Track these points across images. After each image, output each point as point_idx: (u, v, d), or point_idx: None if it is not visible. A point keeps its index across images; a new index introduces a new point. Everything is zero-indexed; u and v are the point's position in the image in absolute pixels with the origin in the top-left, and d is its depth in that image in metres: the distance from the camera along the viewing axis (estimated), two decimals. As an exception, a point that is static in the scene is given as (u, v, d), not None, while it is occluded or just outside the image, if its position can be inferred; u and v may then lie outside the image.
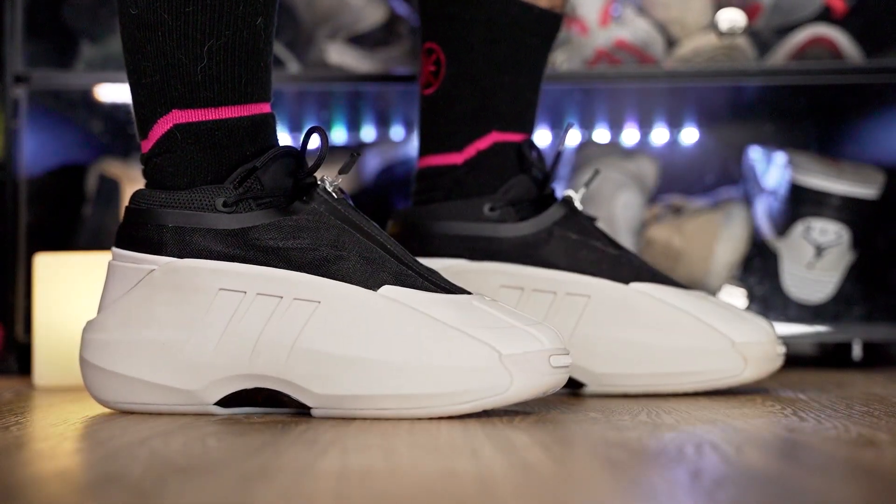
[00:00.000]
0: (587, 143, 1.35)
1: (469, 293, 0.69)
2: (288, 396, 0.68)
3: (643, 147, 1.39)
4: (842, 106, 1.32)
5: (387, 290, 0.67)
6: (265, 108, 0.71)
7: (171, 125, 0.70)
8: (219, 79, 0.69)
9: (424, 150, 0.89)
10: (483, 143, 0.86)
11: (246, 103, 0.70)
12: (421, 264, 0.69)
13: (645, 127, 1.39)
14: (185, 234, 0.69)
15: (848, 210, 1.19)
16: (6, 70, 1.17)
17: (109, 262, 0.73)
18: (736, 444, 0.55)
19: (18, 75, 1.17)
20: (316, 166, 0.69)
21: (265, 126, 0.71)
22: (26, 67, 1.17)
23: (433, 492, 0.43)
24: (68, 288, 0.98)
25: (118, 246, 0.72)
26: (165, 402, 0.70)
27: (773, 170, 1.25)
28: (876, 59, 1.20)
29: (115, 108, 1.29)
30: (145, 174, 0.72)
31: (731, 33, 1.18)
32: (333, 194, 0.70)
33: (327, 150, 0.69)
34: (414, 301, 0.66)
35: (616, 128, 1.39)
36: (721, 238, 1.23)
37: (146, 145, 0.71)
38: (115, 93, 1.24)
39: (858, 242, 1.20)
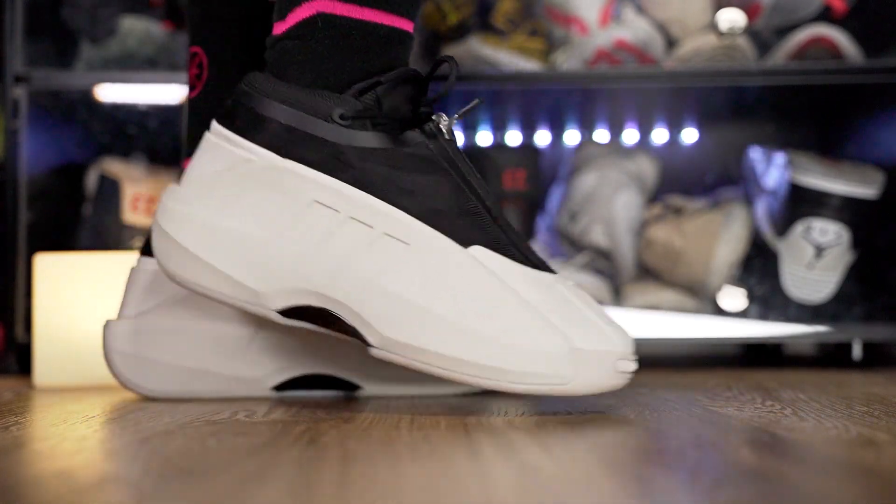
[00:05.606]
0: (587, 143, 1.35)
1: (554, 272, 0.68)
2: (351, 327, 0.67)
3: (643, 147, 1.39)
4: (842, 106, 1.32)
5: (477, 250, 0.66)
6: (407, 25, 0.69)
7: (314, 11, 0.68)
8: None
9: (191, 151, 0.85)
10: None
11: (390, 12, 0.68)
12: (512, 227, 0.68)
13: (645, 127, 1.39)
14: (294, 135, 0.67)
15: (848, 210, 1.19)
16: (6, 70, 1.17)
17: (206, 135, 0.70)
18: (736, 443, 0.55)
19: (18, 75, 1.17)
20: (440, 96, 0.67)
21: (400, 43, 0.69)
22: (26, 67, 1.17)
23: (433, 492, 0.43)
24: (68, 288, 0.98)
25: (221, 123, 0.69)
26: (228, 294, 0.69)
27: (773, 170, 1.25)
28: (876, 59, 1.20)
29: (115, 108, 1.29)
30: (268, 57, 0.70)
31: (731, 33, 1.18)
32: (446, 133, 0.69)
33: (455, 82, 0.67)
34: (501, 270, 0.66)
35: (616, 128, 1.39)
36: (721, 238, 1.23)
37: (280, 27, 0.69)
38: (115, 93, 1.24)
39: (858, 242, 1.20)
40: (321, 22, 0.68)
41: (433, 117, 0.68)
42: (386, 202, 0.66)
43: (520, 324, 0.64)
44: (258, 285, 0.68)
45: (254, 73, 0.70)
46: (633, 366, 0.66)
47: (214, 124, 0.70)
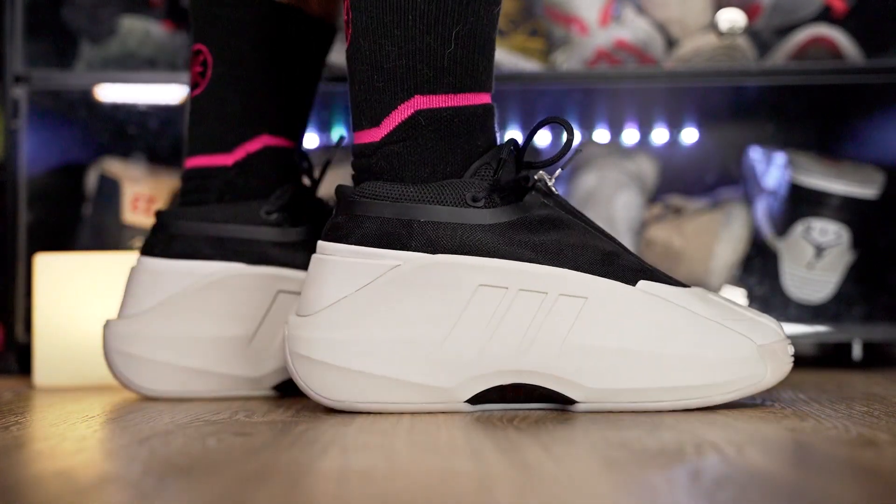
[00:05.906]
0: (587, 143, 1.35)
1: (688, 286, 0.70)
2: (553, 391, 0.68)
3: (643, 147, 1.39)
4: (842, 106, 1.32)
5: (643, 284, 0.68)
6: (489, 98, 0.71)
7: (413, 111, 0.68)
8: (462, 64, 0.68)
9: (192, 150, 0.87)
10: (253, 146, 0.85)
11: (479, 91, 0.70)
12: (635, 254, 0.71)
13: (645, 127, 1.39)
14: (438, 230, 0.68)
15: (848, 210, 1.19)
16: (6, 70, 1.17)
17: (322, 259, 0.69)
18: (736, 443, 0.55)
19: (18, 75, 1.17)
20: (557, 159, 0.68)
21: (491, 116, 0.71)
22: (26, 67, 1.17)
23: (433, 492, 0.43)
24: (68, 288, 0.98)
25: (341, 241, 0.69)
26: (412, 401, 0.69)
27: (773, 170, 1.25)
28: (876, 59, 1.20)
29: (115, 108, 1.29)
30: (368, 165, 0.70)
31: (731, 33, 1.18)
32: (553, 188, 0.70)
33: (572, 141, 0.68)
34: (669, 295, 0.68)
35: (616, 128, 1.39)
36: (721, 238, 1.23)
37: (377, 133, 0.69)
38: (115, 93, 1.24)
39: (858, 242, 1.20)
40: (423, 119, 0.68)
41: (536, 176, 0.69)
42: (545, 265, 0.68)
43: (711, 339, 0.68)
44: (443, 382, 0.68)
45: (351, 186, 0.70)
46: (793, 349, 0.70)
47: (330, 245, 0.69)
